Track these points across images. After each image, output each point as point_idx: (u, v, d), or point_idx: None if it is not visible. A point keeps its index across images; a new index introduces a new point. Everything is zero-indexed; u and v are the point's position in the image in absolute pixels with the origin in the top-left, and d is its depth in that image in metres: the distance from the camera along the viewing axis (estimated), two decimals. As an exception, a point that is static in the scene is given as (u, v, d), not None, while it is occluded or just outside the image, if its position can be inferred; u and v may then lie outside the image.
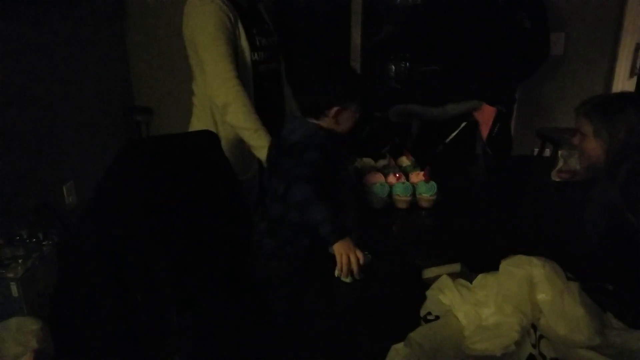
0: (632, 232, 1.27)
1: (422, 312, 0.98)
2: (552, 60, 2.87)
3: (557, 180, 1.89)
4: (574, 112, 1.47)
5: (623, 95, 1.57)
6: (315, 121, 1.41)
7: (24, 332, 1.82)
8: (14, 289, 1.90)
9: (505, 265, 0.91)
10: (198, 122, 1.95)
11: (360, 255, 1.21)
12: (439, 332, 0.87)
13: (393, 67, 2.39)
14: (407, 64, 2.38)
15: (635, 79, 3.05)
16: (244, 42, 1.79)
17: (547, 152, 2.92)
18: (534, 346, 0.82)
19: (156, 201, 1.13)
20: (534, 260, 0.89)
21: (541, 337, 0.82)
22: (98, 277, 1.07)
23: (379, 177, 1.68)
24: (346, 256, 1.19)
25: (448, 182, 1.72)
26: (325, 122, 1.40)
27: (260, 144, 1.70)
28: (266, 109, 1.84)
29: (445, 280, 0.99)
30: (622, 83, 3.04)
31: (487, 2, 2.33)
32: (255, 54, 1.82)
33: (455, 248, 1.37)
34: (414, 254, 1.34)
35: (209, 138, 1.48)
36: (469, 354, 0.82)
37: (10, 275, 1.90)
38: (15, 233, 2.06)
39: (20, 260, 1.96)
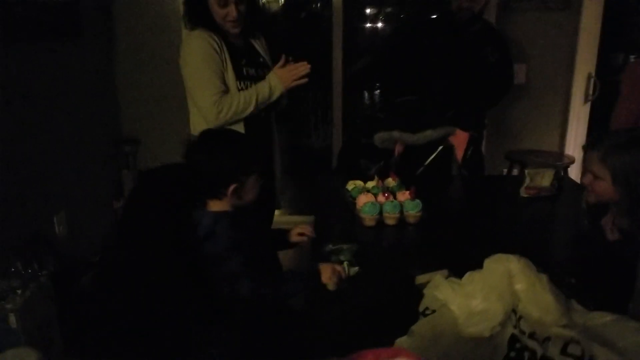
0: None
1: (421, 308, 1.15)
2: (516, 89, 3.11)
3: (526, 196, 2.11)
4: (582, 150, 1.46)
5: (636, 135, 1.47)
6: (217, 204, 1.36)
7: (21, 363, 1.87)
8: (12, 320, 1.89)
9: (488, 262, 1.10)
10: None
11: (340, 269, 1.38)
12: (437, 323, 1.05)
13: (374, 97, 2.60)
14: (387, 94, 2.59)
15: (589, 104, 3.34)
16: (230, 72, 1.94)
17: (515, 172, 3.16)
18: (514, 327, 1.01)
19: (176, 221, 1.27)
20: (511, 257, 1.08)
21: (520, 317, 1.01)
22: (131, 290, 1.19)
23: (370, 197, 1.85)
24: (334, 277, 1.35)
25: (430, 200, 1.90)
26: (227, 202, 1.36)
27: (266, 90, 1.91)
28: (255, 134, 1.97)
29: (439, 279, 1.17)
30: (578, 108, 3.31)
31: (457, 39, 2.57)
32: (242, 83, 1.96)
33: (441, 257, 1.54)
34: (407, 263, 1.51)
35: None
36: (464, 337, 1.00)
37: (9, 306, 1.89)
38: (11, 264, 2.07)
39: (18, 291, 1.95)
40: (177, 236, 1.23)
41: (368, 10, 5.22)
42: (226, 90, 1.92)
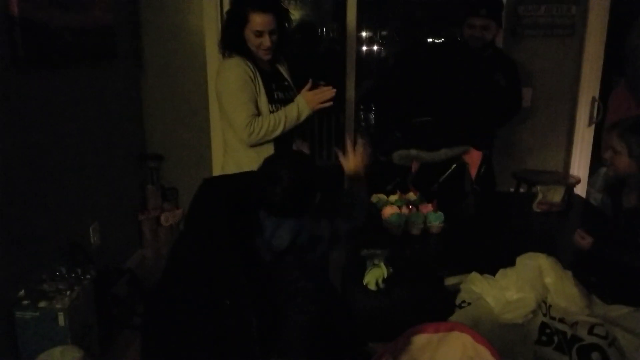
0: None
1: (457, 302, 1.28)
2: (522, 112, 3.23)
3: (538, 210, 2.26)
4: (605, 132, 1.72)
5: None
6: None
7: (67, 360, 2.00)
8: (61, 319, 2.03)
9: (520, 259, 1.24)
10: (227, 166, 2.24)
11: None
12: (474, 313, 1.18)
13: (391, 117, 2.75)
14: (403, 115, 2.76)
15: (593, 127, 3.47)
16: (262, 96, 2.10)
17: (522, 191, 3.28)
18: (544, 315, 1.14)
19: (232, 225, 1.40)
20: (540, 255, 1.23)
21: (550, 306, 1.14)
22: (195, 284, 1.32)
23: (395, 209, 2.00)
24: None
25: (447, 213, 2.04)
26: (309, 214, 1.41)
27: (294, 112, 2.04)
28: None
29: (474, 276, 1.31)
30: (582, 131, 3.44)
31: (469, 64, 2.74)
32: (273, 105, 2.11)
33: (464, 263, 1.66)
34: (434, 267, 1.65)
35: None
36: (499, 324, 1.13)
37: (58, 305, 2.03)
38: (56, 269, 2.23)
39: (68, 292, 2.10)
40: (242, 238, 1.36)
41: (364, 34, 5.42)
42: (258, 113, 2.08)
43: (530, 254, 1.25)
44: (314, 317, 1.28)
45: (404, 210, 2.00)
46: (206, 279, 1.31)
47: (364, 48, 5.37)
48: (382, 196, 2.20)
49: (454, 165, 2.64)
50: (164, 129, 3.42)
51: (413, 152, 2.51)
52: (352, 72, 3.50)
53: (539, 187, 2.27)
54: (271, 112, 2.10)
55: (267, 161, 1.44)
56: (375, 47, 5.51)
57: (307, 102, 2.08)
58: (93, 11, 2.63)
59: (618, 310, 1.15)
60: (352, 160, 1.57)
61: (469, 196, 2.59)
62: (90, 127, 2.70)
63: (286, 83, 2.26)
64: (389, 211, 1.99)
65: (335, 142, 4.74)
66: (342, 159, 1.61)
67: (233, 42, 2.09)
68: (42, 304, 2.04)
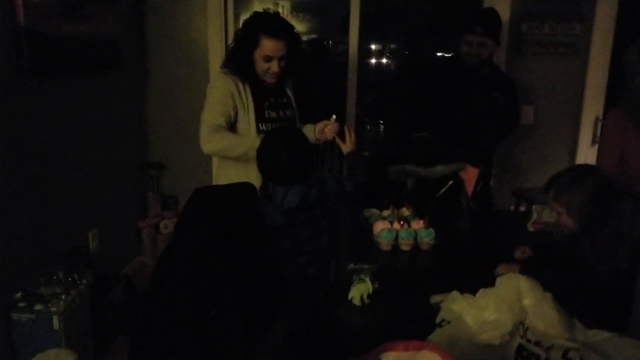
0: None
1: (437, 320, 1.29)
2: (524, 129, 3.25)
3: (532, 230, 2.25)
4: (543, 191, 1.72)
5: (578, 170, 1.76)
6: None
7: (61, 363, 2.02)
8: (56, 322, 2.08)
9: (500, 279, 1.24)
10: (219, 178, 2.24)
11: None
12: (453, 333, 1.18)
13: (388, 132, 2.75)
14: (400, 129, 2.77)
15: (596, 146, 3.44)
16: (251, 113, 2.06)
17: (522, 209, 3.27)
18: (522, 337, 1.14)
19: (222, 235, 1.41)
20: (520, 276, 1.22)
21: (527, 328, 1.14)
22: (182, 292, 1.33)
23: (386, 224, 2.00)
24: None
25: (440, 230, 2.04)
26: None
27: (246, 146, 1.97)
28: None
29: (455, 295, 1.31)
30: (585, 150, 3.42)
31: (466, 81, 2.75)
32: (263, 125, 2.07)
33: (451, 282, 1.66)
34: (421, 284, 1.65)
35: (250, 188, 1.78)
36: (477, 345, 1.13)
37: (54, 309, 2.07)
38: (53, 273, 2.26)
39: (63, 296, 2.14)
40: (221, 245, 1.37)
41: (374, 46, 5.44)
42: (226, 128, 2.02)
43: (509, 275, 1.25)
44: (296, 330, 1.29)
45: (396, 225, 2.00)
46: (192, 287, 1.32)
47: (373, 61, 5.39)
48: (375, 211, 2.21)
49: (451, 182, 2.64)
50: (165, 138, 3.47)
51: (408, 167, 2.51)
52: (353, 87, 3.50)
53: (534, 207, 2.27)
54: (260, 130, 2.06)
55: (263, 141, 1.67)
56: (378, 61, 5.53)
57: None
58: (98, 22, 2.69)
59: (598, 335, 1.14)
60: (349, 143, 1.94)
61: (464, 214, 2.59)
62: (93, 135, 2.74)
63: (285, 100, 2.22)
64: (380, 226, 1.99)
65: (338, 156, 4.76)
66: (342, 144, 1.96)
67: (240, 64, 2.05)
68: (37, 307, 2.08)
